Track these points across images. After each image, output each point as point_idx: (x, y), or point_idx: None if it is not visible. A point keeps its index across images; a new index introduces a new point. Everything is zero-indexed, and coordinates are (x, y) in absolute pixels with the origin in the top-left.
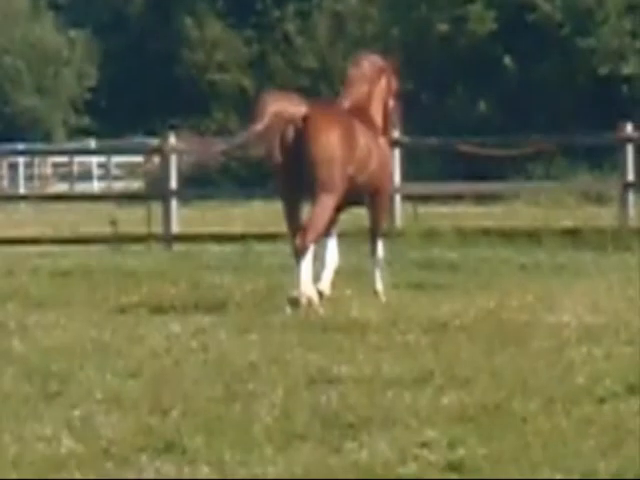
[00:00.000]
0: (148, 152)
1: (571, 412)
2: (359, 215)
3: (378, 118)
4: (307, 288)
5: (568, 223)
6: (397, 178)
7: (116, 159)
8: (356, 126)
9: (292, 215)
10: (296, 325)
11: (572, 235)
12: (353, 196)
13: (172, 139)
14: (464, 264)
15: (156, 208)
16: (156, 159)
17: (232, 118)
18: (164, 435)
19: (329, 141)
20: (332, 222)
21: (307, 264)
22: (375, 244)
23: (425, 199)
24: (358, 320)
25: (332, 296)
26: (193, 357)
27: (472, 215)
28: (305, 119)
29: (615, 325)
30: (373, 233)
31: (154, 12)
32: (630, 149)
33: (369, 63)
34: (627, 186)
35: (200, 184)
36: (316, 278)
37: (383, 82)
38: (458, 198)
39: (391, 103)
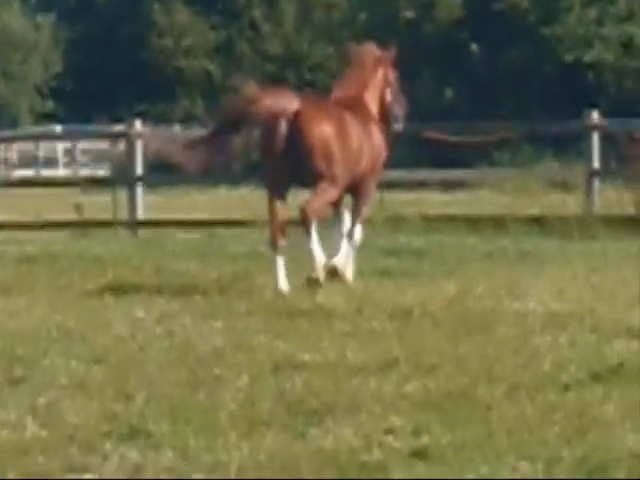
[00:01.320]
0: (114, 138)
1: (536, 399)
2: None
3: (373, 107)
4: (320, 265)
5: (534, 210)
6: None
7: (82, 145)
8: (348, 119)
9: (276, 208)
10: (261, 311)
11: (537, 222)
12: (349, 186)
13: (138, 125)
14: (429, 251)
15: (121, 194)
16: (122, 145)
17: (198, 104)
18: (129, 421)
19: (323, 135)
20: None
21: (316, 242)
22: (354, 227)
23: (391, 186)
24: (323, 306)
25: (297, 282)
26: (158, 343)
27: (438, 202)
28: (297, 114)
29: (580, 312)
30: (355, 217)
31: None
32: (596, 137)
33: (366, 53)
34: (593, 174)
35: (166, 170)
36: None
37: (380, 73)
38: (424, 185)
39: (389, 95)
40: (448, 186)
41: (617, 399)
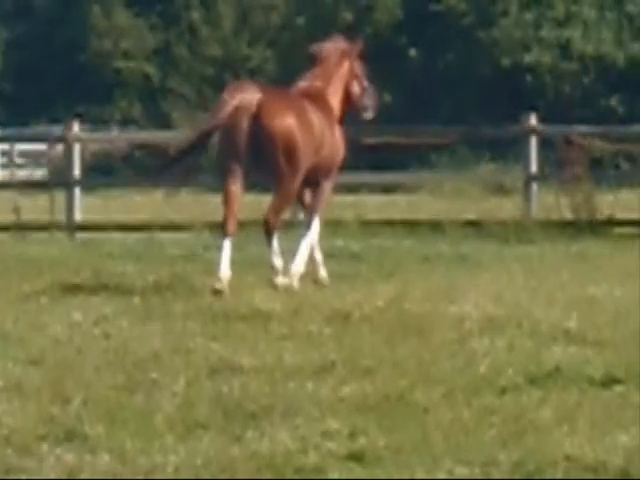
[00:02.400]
0: (52, 140)
1: (472, 403)
2: (257, 205)
3: (335, 102)
4: (278, 270)
5: (471, 214)
6: None
7: (19, 147)
8: (310, 110)
9: (232, 195)
10: (198, 314)
11: (475, 226)
12: (309, 178)
13: (76, 127)
14: (367, 254)
15: (59, 196)
16: (60, 147)
17: (136, 106)
18: (65, 423)
19: (285, 127)
20: (303, 204)
21: (275, 249)
22: (312, 221)
23: None
24: (260, 310)
25: (234, 285)
26: (95, 345)
27: (375, 205)
28: (259, 106)
29: (517, 316)
30: (312, 211)
31: (60, 0)
32: (534, 141)
33: (332, 46)
34: (530, 178)
35: (104, 172)
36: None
37: (346, 66)
38: (361, 188)
39: (357, 87)
40: (386, 189)
41: (554, 403)
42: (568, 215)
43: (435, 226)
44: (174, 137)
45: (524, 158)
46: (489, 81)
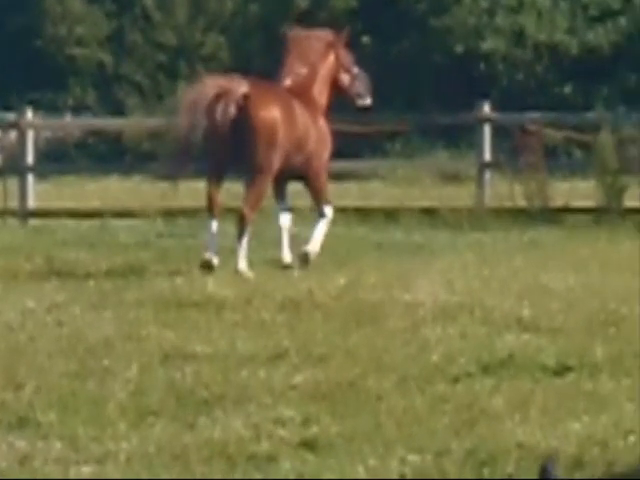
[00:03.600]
0: (5, 127)
1: (425, 391)
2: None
3: (321, 98)
4: (242, 265)
5: (425, 202)
6: None
7: None
8: (295, 106)
9: (214, 189)
10: (151, 302)
11: (429, 214)
12: (292, 172)
13: (29, 114)
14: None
15: (12, 183)
16: (13, 134)
17: (90, 93)
18: (17, 410)
19: (269, 120)
20: (282, 196)
21: (243, 243)
22: (322, 210)
23: None
24: (214, 297)
25: (187, 272)
26: (48, 332)
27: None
28: (246, 97)
29: (470, 304)
30: (318, 203)
31: None
32: (487, 129)
33: (314, 39)
34: (484, 166)
35: (57, 159)
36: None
37: (331, 58)
38: None
39: (346, 77)
40: (339, 177)
41: (506, 391)
42: (522, 203)
43: (389, 214)
44: (127, 124)
45: (477, 146)
46: (443, 69)
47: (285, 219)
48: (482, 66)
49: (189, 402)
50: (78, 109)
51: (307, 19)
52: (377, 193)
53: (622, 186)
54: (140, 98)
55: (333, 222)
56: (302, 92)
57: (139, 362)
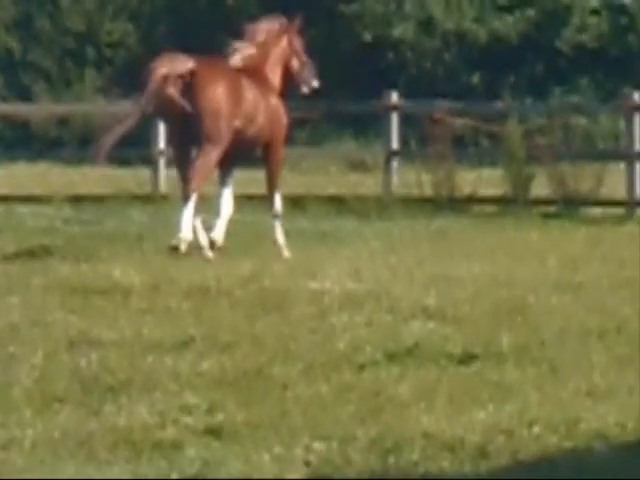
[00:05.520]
0: None
1: (331, 378)
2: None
3: (274, 78)
4: (187, 235)
5: (332, 190)
6: (162, 142)
7: None
8: (242, 81)
9: (182, 164)
10: (58, 287)
11: (336, 202)
12: (243, 150)
13: None
14: (227, 229)
15: None
16: None
17: None
18: None
19: (215, 94)
20: (227, 173)
21: (189, 213)
22: (273, 198)
23: None
24: (120, 283)
25: (94, 258)
26: None
27: (236, 181)
28: (192, 73)
29: (377, 292)
30: (270, 188)
31: None
32: (395, 117)
33: (268, 25)
34: (391, 154)
35: None
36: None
37: (284, 43)
38: None
39: (296, 63)
40: (245, 165)
41: (412, 379)
42: (429, 192)
43: (295, 202)
44: (35, 110)
45: (385, 134)
46: (351, 57)
47: (225, 206)
48: (390, 54)
49: (94, 388)
50: None
51: (214, 5)
52: (284, 181)
53: (529, 176)
54: (47, 84)
55: (239, 210)
56: (254, 71)
57: (45, 348)
